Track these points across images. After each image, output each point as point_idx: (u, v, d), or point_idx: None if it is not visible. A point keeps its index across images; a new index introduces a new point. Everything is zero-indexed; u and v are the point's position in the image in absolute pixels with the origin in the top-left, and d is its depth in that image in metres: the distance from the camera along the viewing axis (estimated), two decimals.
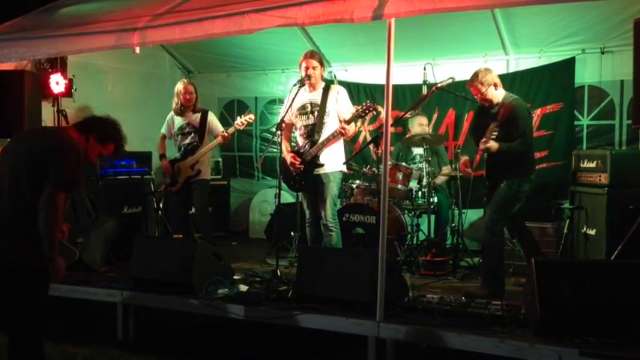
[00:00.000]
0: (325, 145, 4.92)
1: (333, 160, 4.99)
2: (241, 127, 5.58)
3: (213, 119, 5.86)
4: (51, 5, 5.19)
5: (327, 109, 4.96)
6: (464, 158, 4.93)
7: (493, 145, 4.42)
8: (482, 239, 4.76)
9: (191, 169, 5.68)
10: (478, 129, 4.77)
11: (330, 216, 4.96)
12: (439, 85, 5.23)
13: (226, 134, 5.64)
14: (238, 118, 5.57)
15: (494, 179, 4.68)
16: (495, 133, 4.42)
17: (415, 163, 6.30)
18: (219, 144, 5.79)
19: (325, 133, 4.95)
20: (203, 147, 5.72)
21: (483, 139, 4.44)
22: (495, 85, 4.60)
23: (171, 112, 5.91)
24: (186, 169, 5.70)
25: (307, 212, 5.21)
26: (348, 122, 4.87)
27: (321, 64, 5.03)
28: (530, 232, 5.00)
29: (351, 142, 7.08)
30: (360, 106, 4.87)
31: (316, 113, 4.99)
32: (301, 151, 5.04)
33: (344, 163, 5.11)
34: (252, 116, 5.59)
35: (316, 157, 4.95)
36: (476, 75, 4.64)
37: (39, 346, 3.23)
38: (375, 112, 4.95)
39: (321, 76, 5.05)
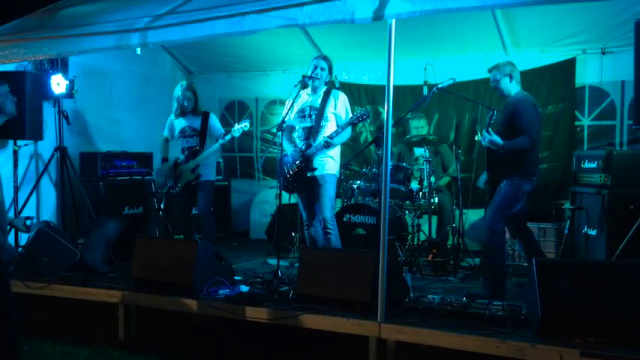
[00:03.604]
0: (315, 153, 4.92)
1: (329, 163, 4.99)
2: (237, 135, 5.58)
3: (214, 121, 5.83)
4: (52, 6, 5.19)
5: (325, 114, 4.98)
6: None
7: (497, 138, 4.39)
8: (484, 239, 4.76)
9: (191, 173, 5.67)
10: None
11: (328, 218, 4.95)
12: (440, 85, 5.25)
13: (223, 141, 5.62)
14: (236, 125, 5.58)
15: (495, 178, 4.67)
16: (486, 128, 4.40)
17: (418, 164, 6.29)
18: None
19: (322, 136, 4.95)
20: (204, 150, 5.69)
21: (484, 134, 4.41)
22: (510, 77, 4.61)
23: (172, 115, 5.88)
24: (187, 173, 5.69)
25: (304, 214, 5.21)
26: (342, 127, 4.89)
27: (330, 70, 5.04)
28: (531, 232, 4.99)
29: (352, 142, 7.10)
30: (354, 116, 4.91)
31: (314, 116, 4.99)
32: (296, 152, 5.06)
33: (343, 165, 5.10)
34: (246, 124, 5.60)
35: (310, 160, 4.95)
36: (497, 63, 4.72)
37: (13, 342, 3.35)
38: (368, 118, 5.04)
39: (325, 80, 5.05)
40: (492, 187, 4.71)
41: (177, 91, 5.75)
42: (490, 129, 4.45)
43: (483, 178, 4.97)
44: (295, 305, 4.06)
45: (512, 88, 4.64)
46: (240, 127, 5.55)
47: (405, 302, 4.07)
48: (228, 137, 5.57)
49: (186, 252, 4.53)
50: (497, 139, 4.40)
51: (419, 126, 6.41)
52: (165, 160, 5.89)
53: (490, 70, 4.73)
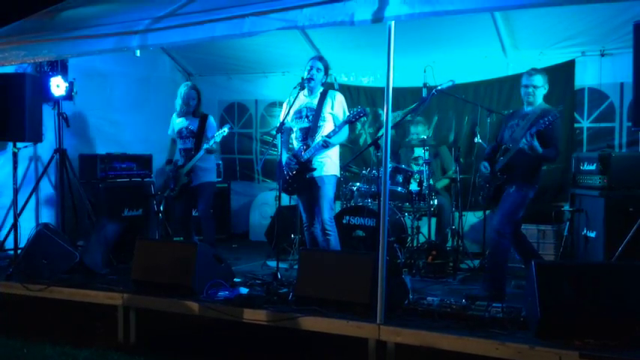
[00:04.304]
0: (314, 153, 4.91)
1: (328, 164, 4.99)
2: (218, 140, 5.57)
3: (211, 125, 5.80)
4: (52, 8, 5.20)
5: (322, 114, 4.97)
6: None
7: (538, 145, 4.37)
8: (489, 242, 4.76)
9: (186, 177, 5.67)
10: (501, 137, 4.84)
11: (326, 219, 4.94)
12: (439, 87, 5.24)
13: (208, 146, 5.59)
14: (217, 131, 5.58)
15: (503, 184, 4.66)
16: (533, 132, 4.37)
17: (418, 166, 6.30)
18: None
19: (319, 136, 4.95)
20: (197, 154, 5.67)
21: (527, 137, 4.38)
22: (544, 89, 4.67)
23: (175, 114, 5.88)
24: (182, 176, 5.69)
25: (304, 216, 5.21)
26: (340, 126, 4.89)
27: (326, 71, 5.04)
28: (524, 235, 5.00)
29: (351, 144, 7.11)
30: (350, 114, 4.88)
31: (311, 117, 4.99)
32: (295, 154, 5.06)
33: (342, 167, 5.09)
34: (226, 129, 5.58)
35: (309, 161, 4.95)
36: (542, 71, 4.69)
37: None
38: (366, 116, 4.99)
39: (321, 82, 5.05)
40: (495, 194, 4.71)
41: (182, 89, 5.75)
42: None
43: (485, 164, 4.91)
44: (294, 307, 4.06)
45: (540, 98, 4.69)
46: (220, 133, 5.55)
47: (404, 304, 4.07)
48: (211, 142, 5.54)
49: (186, 254, 4.53)
50: (538, 145, 4.37)
51: (416, 132, 6.41)
52: (169, 162, 5.88)
53: (531, 74, 4.64)
